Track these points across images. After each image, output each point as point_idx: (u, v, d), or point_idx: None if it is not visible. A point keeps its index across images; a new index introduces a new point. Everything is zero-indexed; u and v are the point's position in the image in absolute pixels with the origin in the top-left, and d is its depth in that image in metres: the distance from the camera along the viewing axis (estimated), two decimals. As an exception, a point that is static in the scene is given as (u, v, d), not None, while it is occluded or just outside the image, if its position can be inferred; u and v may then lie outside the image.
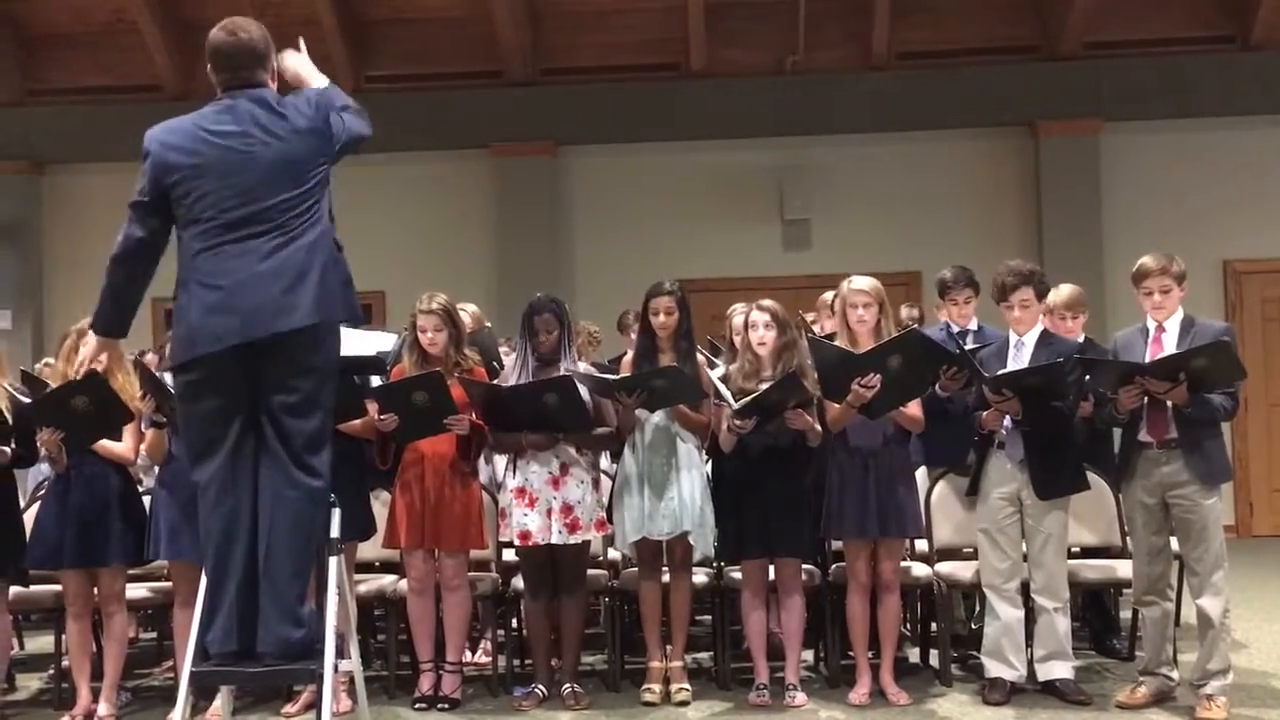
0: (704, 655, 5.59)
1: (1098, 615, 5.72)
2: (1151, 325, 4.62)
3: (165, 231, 3.47)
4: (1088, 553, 5.42)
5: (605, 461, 5.44)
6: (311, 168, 3.43)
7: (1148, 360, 4.47)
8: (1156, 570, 4.62)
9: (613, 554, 5.35)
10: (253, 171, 3.36)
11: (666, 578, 4.96)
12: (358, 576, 5.13)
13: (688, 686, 4.88)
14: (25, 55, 10.13)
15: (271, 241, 3.35)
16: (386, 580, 5.28)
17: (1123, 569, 5.03)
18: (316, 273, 3.36)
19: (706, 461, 5.01)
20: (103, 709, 4.74)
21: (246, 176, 3.36)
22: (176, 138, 3.43)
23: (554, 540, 4.78)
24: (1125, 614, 5.56)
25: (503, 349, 6.36)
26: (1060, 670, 4.74)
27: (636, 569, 5.00)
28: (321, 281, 3.37)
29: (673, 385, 4.73)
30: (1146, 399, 4.46)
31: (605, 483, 5.14)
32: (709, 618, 5.60)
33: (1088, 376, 4.66)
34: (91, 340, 3.69)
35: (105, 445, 4.75)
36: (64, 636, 4.98)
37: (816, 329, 5.77)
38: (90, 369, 4.58)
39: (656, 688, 4.87)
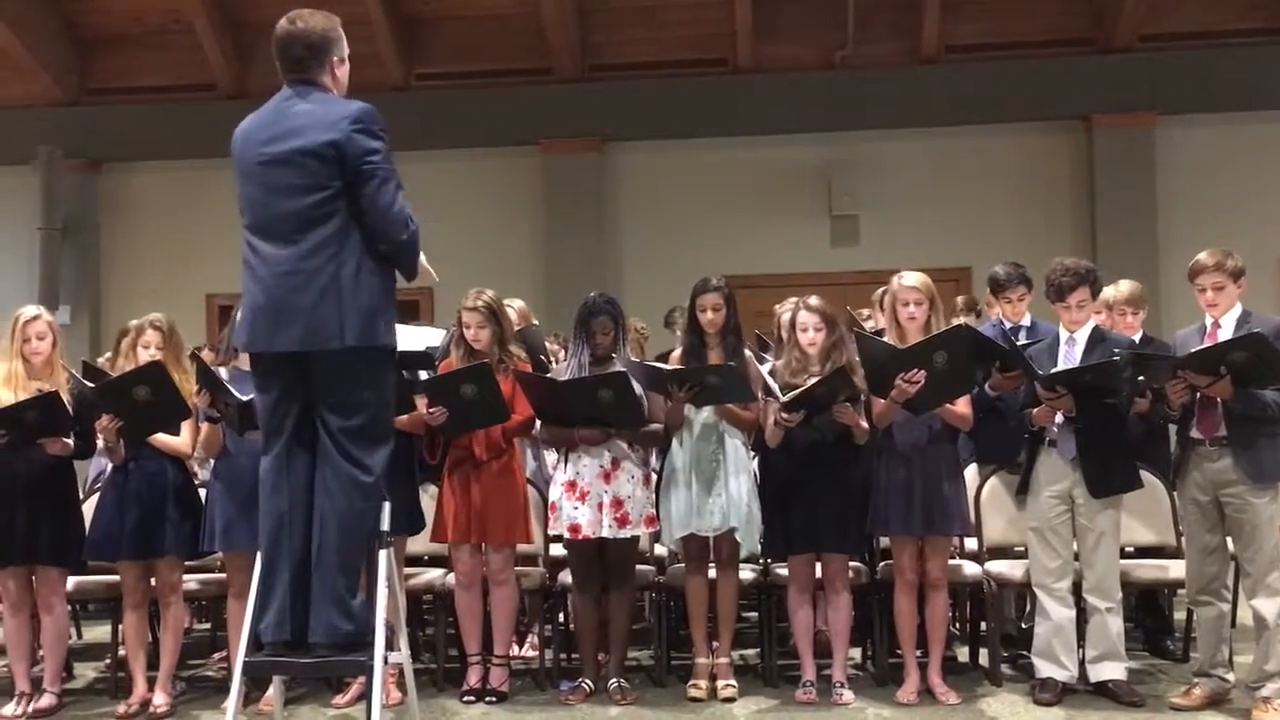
0: (751, 652, 5.58)
1: (1151, 616, 5.64)
2: (1209, 322, 4.55)
3: None
4: (1142, 552, 5.35)
5: (652, 458, 5.44)
6: (323, 178, 3.37)
7: None
8: (1211, 570, 4.55)
9: (659, 549, 5.35)
10: (271, 178, 3.41)
11: (713, 573, 4.95)
12: (407, 570, 5.17)
13: (734, 683, 4.88)
14: (83, 55, 10.31)
15: (287, 249, 3.38)
16: (435, 574, 5.33)
17: (1177, 569, 4.96)
18: (310, 299, 3.34)
19: (753, 458, 5.00)
20: (158, 698, 4.82)
21: (266, 180, 3.42)
22: (238, 135, 3.54)
23: (604, 534, 4.80)
24: (1180, 615, 5.48)
25: (552, 345, 6.38)
26: (1113, 671, 4.68)
27: (683, 565, 5.01)
28: (319, 310, 3.34)
29: (725, 383, 4.72)
30: (1198, 395, 4.40)
31: (653, 479, 5.14)
32: (755, 614, 5.59)
33: (1141, 376, 4.60)
34: None
35: (163, 439, 4.84)
36: (121, 626, 5.08)
37: (869, 325, 5.74)
38: (153, 360, 4.70)
39: (703, 684, 4.87)
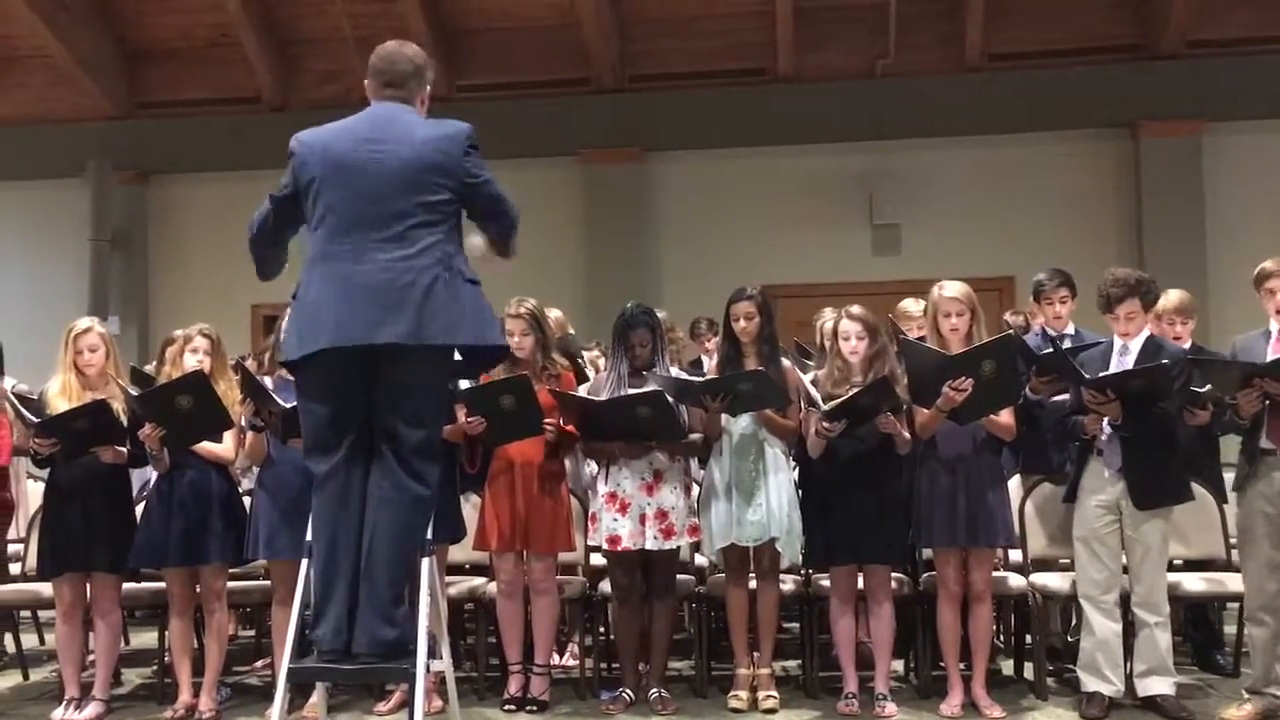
0: (792, 663, 5.55)
1: (1201, 629, 5.55)
2: (1275, 327, 4.48)
3: (295, 225, 3.60)
4: (1191, 565, 5.26)
5: (694, 468, 5.43)
6: (435, 185, 3.44)
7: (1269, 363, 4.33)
8: (1272, 587, 4.45)
9: (700, 559, 5.34)
10: (380, 177, 3.42)
11: (754, 584, 4.94)
12: (448, 578, 5.19)
13: (775, 694, 4.86)
14: (132, 70, 10.49)
15: (391, 250, 3.39)
16: (476, 582, 5.34)
17: (1228, 582, 4.88)
18: (421, 292, 3.36)
19: (794, 468, 4.98)
20: (203, 703, 4.87)
21: (374, 181, 3.42)
22: (319, 140, 3.53)
23: (648, 546, 4.79)
24: (1230, 628, 5.38)
25: (593, 353, 6.39)
26: (1161, 686, 4.61)
27: (723, 575, 4.99)
28: (428, 303, 3.36)
29: (757, 389, 4.71)
30: (1268, 402, 4.32)
31: (695, 488, 5.13)
32: (797, 625, 5.56)
33: (1207, 385, 4.52)
34: None
35: (206, 446, 4.88)
36: (167, 633, 5.13)
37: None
38: (195, 370, 4.74)
39: (744, 694, 4.85)
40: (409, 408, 3.43)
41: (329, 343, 3.37)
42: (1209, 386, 4.56)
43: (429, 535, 3.62)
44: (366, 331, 3.35)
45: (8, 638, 5.94)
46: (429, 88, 3.68)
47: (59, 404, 4.81)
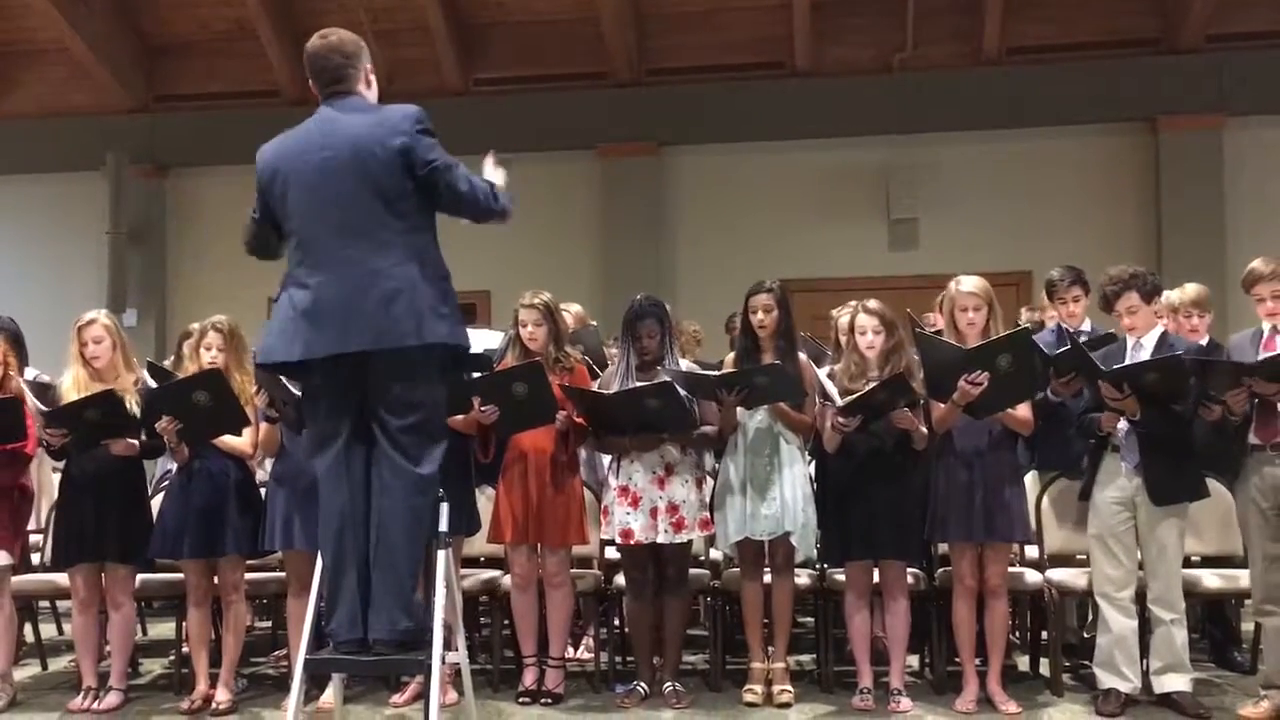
0: (807, 658, 5.55)
1: (1218, 626, 5.53)
2: (1266, 327, 4.48)
3: (283, 237, 3.62)
4: (1209, 561, 5.24)
5: (708, 461, 5.43)
6: (391, 178, 3.43)
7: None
8: (1275, 579, 4.45)
9: (714, 554, 5.34)
10: (334, 184, 3.43)
11: (768, 578, 4.93)
12: (463, 571, 5.20)
13: (790, 688, 4.85)
14: (150, 63, 10.53)
15: (356, 252, 3.40)
16: (491, 575, 5.35)
17: (1244, 579, 4.85)
18: (397, 294, 3.38)
19: (810, 462, 4.98)
20: (220, 694, 4.89)
21: (330, 190, 3.44)
22: (276, 153, 3.57)
23: (660, 539, 4.79)
24: (1247, 626, 5.36)
25: (610, 349, 6.39)
26: (1177, 683, 4.59)
27: (738, 569, 4.99)
28: (405, 304, 3.38)
29: (773, 383, 4.70)
30: (1257, 400, 4.31)
31: (708, 482, 5.13)
32: (812, 620, 5.55)
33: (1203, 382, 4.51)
34: None
35: (225, 439, 4.90)
36: (184, 623, 5.16)
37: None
38: (212, 367, 4.76)
39: (758, 689, 4.85)
40: (395, 397, 3.45)
41: (303, 354, 3.42)
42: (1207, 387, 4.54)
43: (445, 527, 3.63)
44: (340, 342, 3.39)
45: (27, 627, 5.99)
46: (369, 64, 3.65)
47: (71, 397, 4.83)
